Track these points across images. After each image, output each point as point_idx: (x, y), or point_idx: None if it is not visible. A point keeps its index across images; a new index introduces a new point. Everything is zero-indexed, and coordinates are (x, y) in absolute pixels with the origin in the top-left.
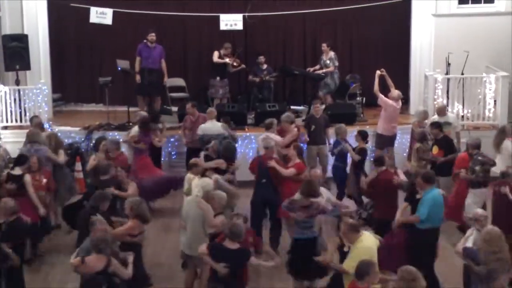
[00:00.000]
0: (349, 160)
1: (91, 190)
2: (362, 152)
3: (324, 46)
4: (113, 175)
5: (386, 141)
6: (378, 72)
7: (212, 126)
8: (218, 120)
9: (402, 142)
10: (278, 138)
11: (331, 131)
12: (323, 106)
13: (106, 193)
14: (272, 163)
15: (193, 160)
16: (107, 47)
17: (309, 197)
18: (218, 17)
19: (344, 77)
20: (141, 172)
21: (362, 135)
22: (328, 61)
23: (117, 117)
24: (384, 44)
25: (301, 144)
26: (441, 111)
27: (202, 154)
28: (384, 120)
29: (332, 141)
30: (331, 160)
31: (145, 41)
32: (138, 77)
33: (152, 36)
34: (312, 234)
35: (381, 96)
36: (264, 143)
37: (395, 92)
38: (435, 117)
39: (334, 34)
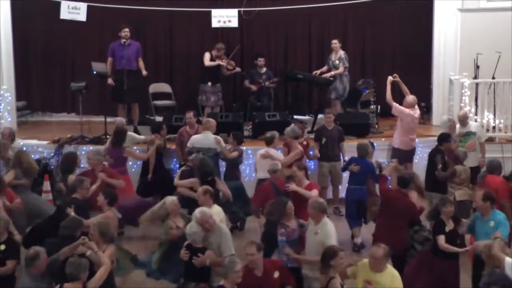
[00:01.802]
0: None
1: (60, 214)
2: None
3: (335, 42)
4: (84, 195)
5: (403, 156)
6: (390, 78)
7: (203, 138)
8: (218, 133)
9: (423, 157)
10: (279, 155)
11: (345, 145)
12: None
13: (79, 220)
14: (293, 187)
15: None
16: (80, 47)
17: None
18: (209, 13)
19: (355, 82)
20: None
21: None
22: (337, 61)
23: (92, 128)
24: (402, 44)
25: (308, 162)
26: (463, 120)
27: (180, 169)
28: (400, 132)
29: (347, 158)
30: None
31: (123, 39)
32: (110, 80)
33: (125, 31)
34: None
35: (395, 104)
36: (271, 167)
37: (409, 98)
38: (457, 127)
39: (344, 33)
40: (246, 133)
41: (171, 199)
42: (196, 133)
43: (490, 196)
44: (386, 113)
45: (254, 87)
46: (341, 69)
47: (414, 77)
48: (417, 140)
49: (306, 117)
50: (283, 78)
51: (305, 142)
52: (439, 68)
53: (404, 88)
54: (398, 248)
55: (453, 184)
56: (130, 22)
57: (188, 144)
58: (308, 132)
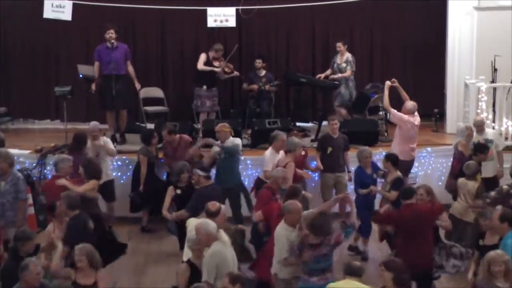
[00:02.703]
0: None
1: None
2: (396, 183)
3: (339, 45)
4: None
5: (401, 168)
6: (387, 83)
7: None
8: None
9: (436, 167)
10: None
11: (351, 154)
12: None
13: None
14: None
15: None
16: (65, 49)
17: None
18: (205, 11)
19: (362, 87)
20: None
21: (392, 160)
22: (344, 64)
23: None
24: (413, 46)
25: (312, 174)
26: (480, 126)
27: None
28: (399, 140)
29: (352, 168)
30: (351, 190)
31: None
32: (93, 86)
33: (110, 33)
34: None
35: (393, 111)
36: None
37: (409, 103)
38: (474, 135)
39: (350, 33)
40: (244, 141)
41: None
42: (178, 145)
43: (509, 216)
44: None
45: (254, 87)
46: (348, 73)
47: (426, 81)
48: (429, 149)
49: (310, 124)
50: (284, 82)
51: (303, 152)
52: (453, 72)
53: (404, 94)
54: (426, 265)
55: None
56: (119, 21)
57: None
58: (312, 141)
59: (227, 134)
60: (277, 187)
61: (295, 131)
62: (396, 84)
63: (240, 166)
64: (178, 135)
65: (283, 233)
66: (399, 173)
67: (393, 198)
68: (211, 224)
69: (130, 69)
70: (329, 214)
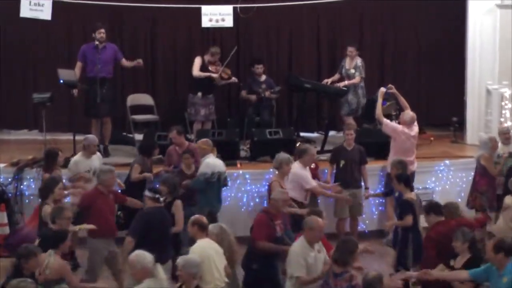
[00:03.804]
0: None
1: None
2: (406, 207)
3: (352, 51)
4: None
5: None
6: (382, 89)
7: (219, 162)
8: None
9: (455, 182)
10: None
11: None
12: None
13: None
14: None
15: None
16: (44, 51)
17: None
18: (199, 10)
19: (372, 93)
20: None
21: (405, 181)
22: (352, 70)
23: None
24: (429, 48)
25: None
26: (505, 135)
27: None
28: (394, 153)
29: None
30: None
31: (97, 42)
32: (75, 91)
33: (101, 33)
34: None
35: (385, 121)
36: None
37: (406, 114)
38: (499, 147)
39: (359, 34)
40: (243, 153)
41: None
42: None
43: (505, 245)
44: None
45: (253, 97)
46: (357, 79)
47: (443, 87)
48: (447, 162)
49: (315, 135)
50: (286, 88)
51: (313, 165)
52: (474, 76)
53: (403, 102)
54: None
55: None
56: (104, 20)
57: (207, 170)
58: (318, 153)
59: (206, 152)
60: (276, 211)
61: (299, 142)
62: (393, 90)
63: (238, 181)
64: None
65: (300, 251)
66: (413, 195)
67: (409, 223)
68: (148, 257)
69: (125, 62)
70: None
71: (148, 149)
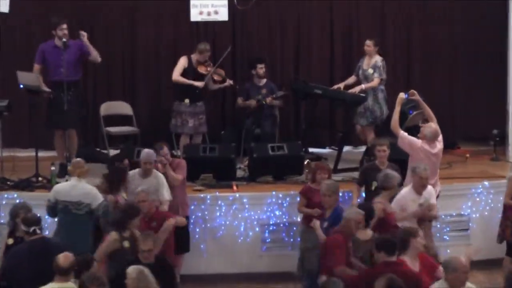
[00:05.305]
0: None
1: None
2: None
3: (369, 45)
4: None
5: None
6: (401, 95)
7: (71, 189)
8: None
9: (496, 207)
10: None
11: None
12: None
13: None
14: None
15: None
16: (1, 50)
17: None
18: (187, 2)
19: (395, 101)
20: None
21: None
22: (370, 70)
23: (18, 167)
24: (465, 49)
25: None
26: None
27: None
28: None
29: None
30: None
31: (58, 40)
32: (46, 93)
33: (63, 29)
34: None
35: (402, 134)
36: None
37: (429, 128)
38: None
39: (381, 33)
40: (240, 173)
41: None
42: (175, 168)
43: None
44: (445, 142)
45: (252, 103)
46: (375, 82)
47: (482, 95)
48: (486, 183)
49: (327, 151)
50: (292, 94)
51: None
52: None
53: (428, 112)
54: None
55: None
56: (72, 14)
57: (56, 196)
58: (334, 171)
59: (84, 174)
60: (349, 233)
61: (308, 159)
62: (416, 97)
63: (234, 207)
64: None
65: None
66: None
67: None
68: None
69: (93, 53)
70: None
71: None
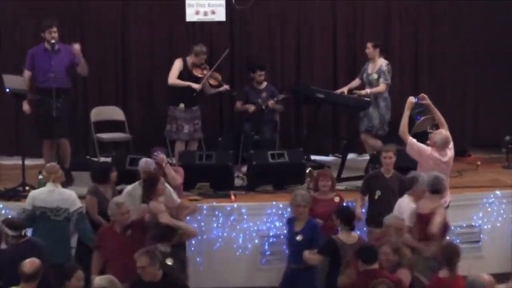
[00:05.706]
0: None
1: None
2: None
3: (368, 46)
4: None
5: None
6: (411, 99)
7: (48, 194)
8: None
9: (509, 218)
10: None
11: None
12: None
13: None
14: None
15: None
16: None
17: None
18: (182, 1)
19: (402, 107)
20: None
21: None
22: (375, 75)
23: (3, 176)
24: (475, 48)
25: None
26: None
27: None
28: None
29: None
30: None
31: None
32: (26, 106)
33: (53, 32)
34: None
35: (411, 141)
36: None
37: (439, 134)
38: None
39: (386, 30)
40: (238, 182)
41: None
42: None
43: None
44: (456, 150)
45: (251, 107)
46: (381, 87)
47: (494, 98)
48: (498, 193)
49: (330, 158)
50: (294, 98)
51: (337, 198)
52: None
53: (438, 117)
54: None
55: None
56: (61, 14)
57: (34, 202)
58: (338, 180)
59: (59, 179)
60: (388, 240)
61: (310, 167)
62: (427, 101)
63: (232, 217)
64: None
65: None
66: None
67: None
68: None
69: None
70: None
71: (102, 173)
